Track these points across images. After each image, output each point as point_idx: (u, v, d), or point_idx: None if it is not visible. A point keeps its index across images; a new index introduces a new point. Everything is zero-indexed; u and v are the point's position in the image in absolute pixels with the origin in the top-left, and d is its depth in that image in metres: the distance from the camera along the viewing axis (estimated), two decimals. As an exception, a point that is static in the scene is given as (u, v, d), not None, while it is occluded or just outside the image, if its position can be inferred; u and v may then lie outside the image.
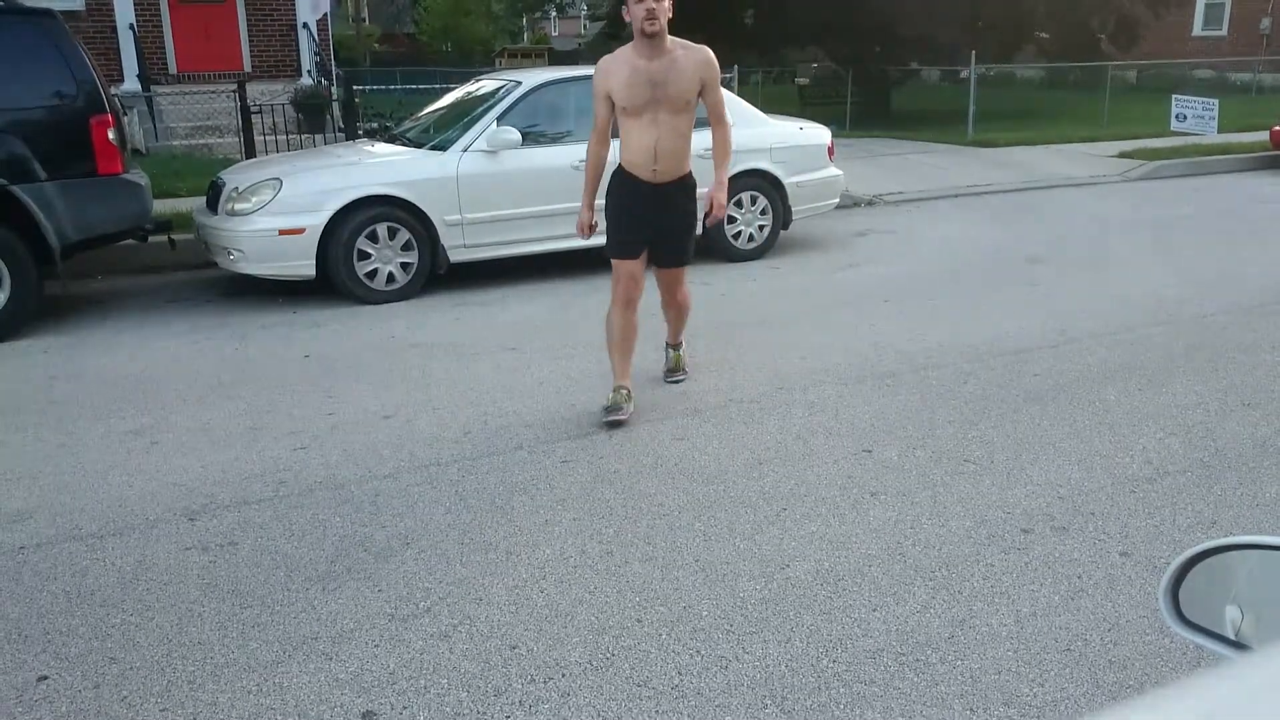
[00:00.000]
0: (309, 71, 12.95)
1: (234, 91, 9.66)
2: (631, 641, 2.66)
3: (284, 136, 9.70)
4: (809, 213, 7.95)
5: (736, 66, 14.02)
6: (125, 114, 7.61)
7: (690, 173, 4.27)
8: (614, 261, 4.28)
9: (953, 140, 14.87)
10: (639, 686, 2.48)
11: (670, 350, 4.80)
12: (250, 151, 9.15)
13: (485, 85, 7.46)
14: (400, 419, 4.34)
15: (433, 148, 6.70)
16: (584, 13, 46.66)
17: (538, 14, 46.72)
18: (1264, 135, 13.06)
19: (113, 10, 11.73)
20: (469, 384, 4.80)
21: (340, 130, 10.75)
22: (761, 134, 7.54)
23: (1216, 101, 14.89)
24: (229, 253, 6.24)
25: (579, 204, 4.36)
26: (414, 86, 15.51)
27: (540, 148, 6.75)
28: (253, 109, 9.34)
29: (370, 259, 6.35)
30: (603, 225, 4.33)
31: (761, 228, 7.60)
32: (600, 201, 4.30)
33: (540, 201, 6.61)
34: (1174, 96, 15.83)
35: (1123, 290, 6.36)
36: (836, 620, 2.75)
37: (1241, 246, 7.73)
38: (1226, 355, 5.03)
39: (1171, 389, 4.56)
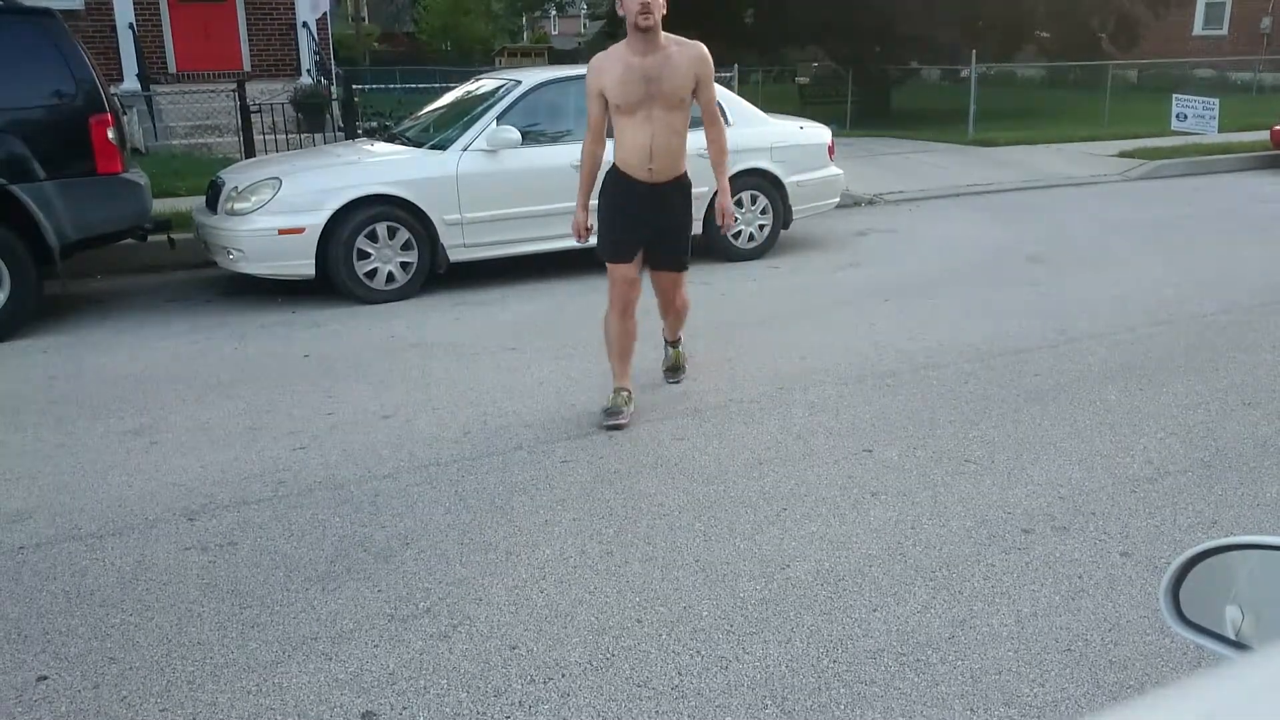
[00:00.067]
0: (308, 71, 12.94)
1: (233, 91, 9.66)
2: (631, 642, 2.66)
3: (283, 136, 9.69)
4: (809, 212, 7.94)
5: (736, 65, 14.00)
6: (124, 113, 7.60)
7: (686, 172, 4.20)
8: (609, 266, 4.23)
9: (953, 139, 14.87)
10: (639, 687, 2.47)
11: (669, 347, 4.74)
12: (250, 151, 9.14)
13: (485, 84, 7.45)
14: (400, 419, 4.34)
15: (432, 147, 6.70)
16: (584, 12, 46.67)
17: (537, 13, 46.69)
18: (1264, 135, 13.06)
19: (112, 9, 11.72)
20: (469, 384, 4.80)
21: (340, 129, 10.74)
22: (762, 133, 7.54)
23: (1217, 101, 14.89)
24: (228, 252, 6.23)
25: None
26: (413, 86, 15.49)
27: (540, 147, 6.74)
28: (252, 108, 9.33)
29: (370, 258, 6.34)
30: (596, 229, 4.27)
31: (762, 227, 7.60)
32: (594, 202, 4.24)
33: (540, 201, 6.61)
34: (1175, 96, 15.83)
35: (1123, 290, 6.36)
36: (837, 620, 2.74)
37: (1242, 246, 7.73)
38: (1227, 355, 5.03)
39: (1172, 389, 4.56)
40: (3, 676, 2.57)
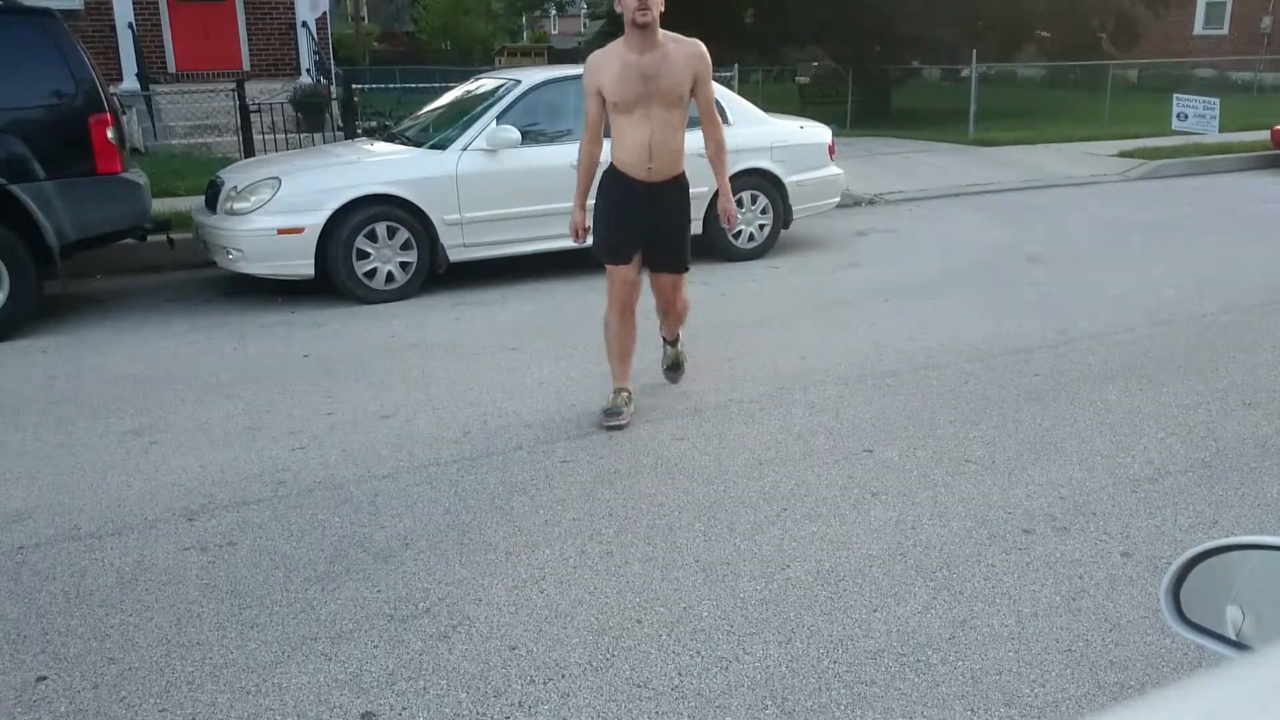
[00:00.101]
0: (308, 70, 12.94)
1: (233, 90, 9.65)
2: (631, 642, 2.66)
3: (283, 135, 9.68)
4: (809, 212, 7.94)
5: (736, 65, 14.00)
6: (124, 113, 7.61)
7: (684, 172, 4.14)
8: (608, 267, 4.19)
9: (953, 139, 14.86)
10: (639, 687, 2.47)
11: (668, 346, 4.65)
12: (249, 150, 9.14)
13: (484, 84, 7.45)
14: (399, 419, 4.34)
15: (432, 147, 6.70)
16: (583, 11, 46.67)
17: (537, 12, 46.69)
18: (1265, 134, 13.06)
19: (111, 9, 11.72)
20: (468, 384, 4.79)
21: (339, 129, 10.74)
22: (762, 133, 7.54)
23: (1217, 100, 14.89)
24: (228, 252, 6.23)
25: None
26: (413, 85, 15.49)
27: (540, 146, 6.74)
28: (251, 108, 9.33)
29: (369, 258, 6.34)
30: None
31: (762, 227, 7.59)
32: (591, 202, 4.19)
33: (540, 200, 6.60)
34: (1175, 96, 15.82)
35: (1123, 290, 6.36)
36: (837, 621, 2.74)
37: (1242, 246, 7.73)
38: (1227, 355, 5.02)
39: (1172, 389, 4.56)
40: (2, 676, 2.56)
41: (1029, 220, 9.08)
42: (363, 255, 6.32)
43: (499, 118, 6.67)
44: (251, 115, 9.27)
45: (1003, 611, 2.78)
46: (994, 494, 3.52)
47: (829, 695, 2.42)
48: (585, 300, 6.16)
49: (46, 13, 5.93)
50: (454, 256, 6.61)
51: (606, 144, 4.13)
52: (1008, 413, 4.30)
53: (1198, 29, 27.11)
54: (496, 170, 6.58)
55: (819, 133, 8.02)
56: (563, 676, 2.52)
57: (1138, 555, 3.07)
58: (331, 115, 11.32)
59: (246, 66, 12.97)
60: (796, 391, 4.60)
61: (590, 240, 4.27)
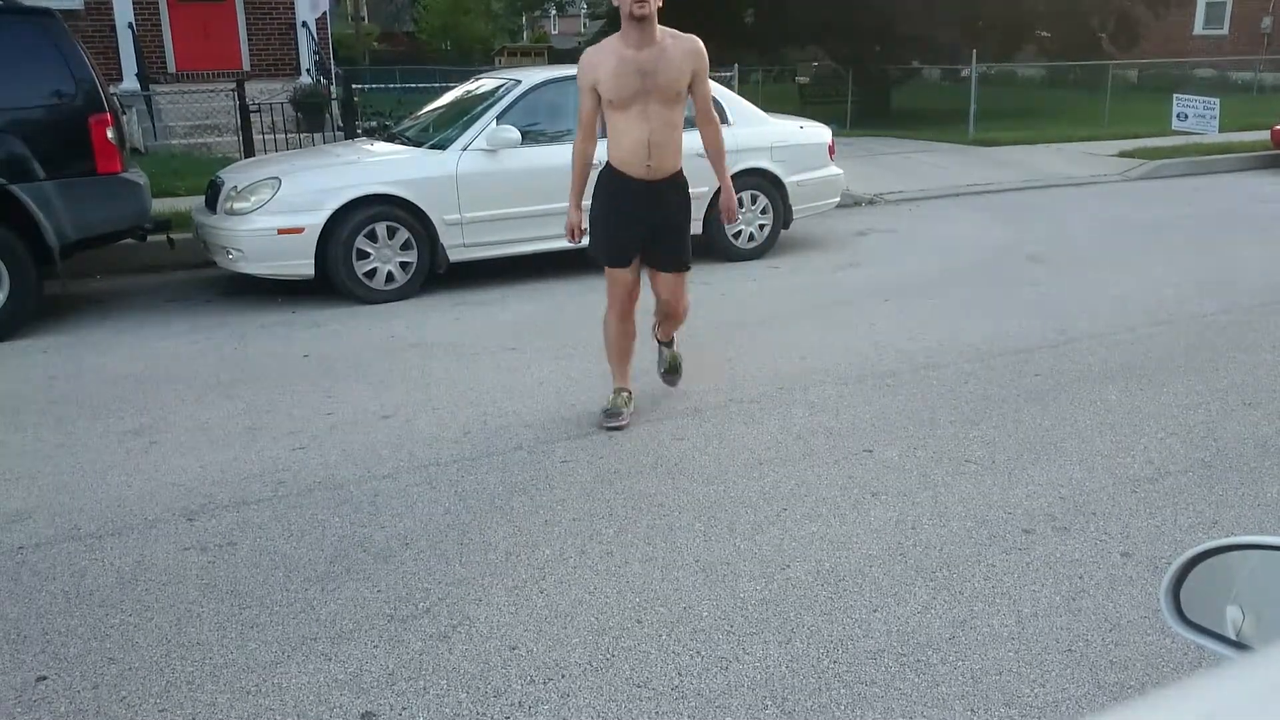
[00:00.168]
0: (308, 70, 12.94)
1: (233, 90, 9.65)
2: (631, 642, 2.66)
3: (283, 135, 9.68)
4: (809, 212, 7.94)
5: (736, 65, 13.98)
6: (124, 113, 7.60)
7: (682, 169, 4.07)
8: (608, 270, 4.13)
9: (953, 139, 14.86)
10: (639, 687, 2.47)
11: (663, 348, 4.54)
12: (249, 150, 9.14)
13: (484, 84, 7.45)
14: (399, 419, 4.34)
15: (432, 146, 6.70)
16: (584, 11, 46.64)
17: (537, 12, 46.68)
18: (1265, 134, 13.06)
19: (111, 9, 11.72)
20: (469, 384, 4.79)
21: (339, 129, 10.74)
22: (762, 133, 7.54)
23: (1218, 100, 14.89)
24: (228, 252, 6.23)
25: None
26: (413, 85, 15.49)
27: (540, 146, 6.74)
28: (251, 108, 9.33)
29: (369, 258, 6.34)
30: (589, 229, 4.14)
31: (762, 227, 7.59)
32: (586, 202, 4.11)
33: (540, 200, 6.59)
34: (1175, 96, 15.82)
35: (1123, 290, 6.36)
36: (837, 621, 2.74)
37: (1242, 246, 7.72)
38: (1227, 355, 5.02)
39: (1172, 389, 4.56)
40: (2, 676, 2.56)
41: (1029, 220, 9.08)
42: (363, 255, 6.32)
43: (499, 118, 6.67)
44: (251, 115, 9.27)
45: (1003, 611, 2.77)
46: (994, 494, 3.52)
47: (829, 695, 2.42)
48: (585, 300, 6.16)
49: (46, 13, 5.93)
50: (454, 256, 6.61)
51: (600, 144, 4.05)
52: (1008, 413, 4.30)
53: (1198, 29, 27.11)
54: (496, 170, 6.58)
55: (819, 133, 8.02)
56: (563, 676, 2.52)
57: (1138, 555, 3.07)
58: (331, 115, 11.32)
59: (246, 66, 12.97)
60: (796, 391, 4.60)
61: (587, 241, 4.20)
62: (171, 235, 6.64)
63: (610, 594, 2.90)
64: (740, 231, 7.51)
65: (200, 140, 11.33)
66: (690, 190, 4.17)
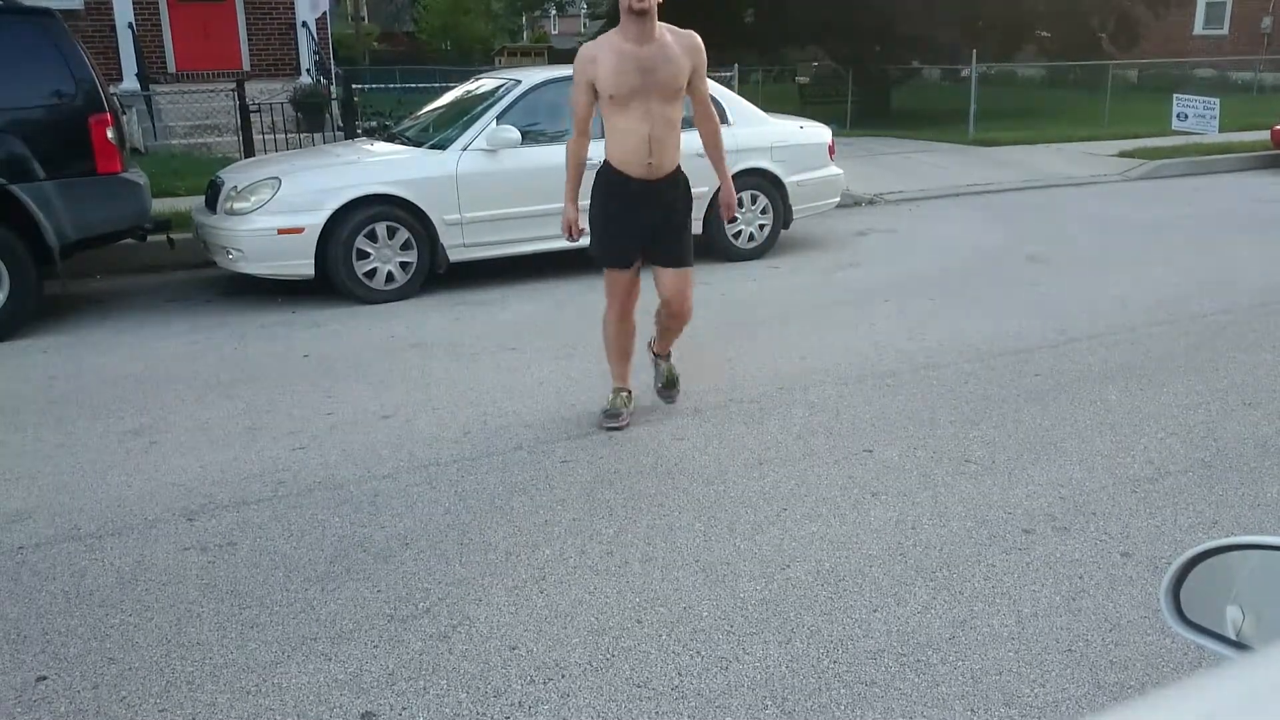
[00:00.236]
0: (308, 70, 12.94)
1: (233, 90, 9.65)
2: (631, 642, 2.66)
3: (283, 135, 9.69)
4: (809, 212, 7.94)
5: (736, 65, 13.99)
6: (124, 113, 7.60)
7: (681, 167, 4.01)
8: (608, 272, 4.09)
9: (953, 139, 14.86)
10: (639, 687, 2.47)
11: (661, 361, 4.40)
12: (249, 150, 9.14)
13: (484, 84, 7.45)
14: (399, 419, 4.34)
15: (432, 146, 6.70)
16: (584, 11, 46.64)
17: (537, 12, 46.68)
18: (1265, 134, 13.06)
19: (111, 9, 11.72)
20: (469, 384, 4.79)
21: (339, 129, 10.74)
22: (762, 133, 7.54)
23: (1218, 100, 14.89)
24: (228, 252, 6.23)
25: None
26: (413, 85, 15.48)
27: (540, 146, 6.73)
28: (251, 108, 9.33)
29: (369, 258, 6.34)
30: (588, 230, 4.08)
31: (762, 227, 7.59)
32: (584, 202, 4.04)
33: (540, 200, 6.59)
34: (1175, 96, 15.82)
35: (1123, 290, 6.36)
36: (837, 621, 2.74)
37: (1242, 246, 7.72)
38: (1227, 355, 5.02)
39: (1172, 389, 4.56)
40: (2, 676, 2.56)
41: (1029, 220, 9.08)
42: (363, 255, 6.32)
43: (499, 118, 6.67)
44: (251, 115, 9.27)
45: (1003, 611, 2.77)
46: (994, 494, 3.52)
47: (829, 695, 2.42)
48: (585, 300, 6.16)
49: (46, 13, 5.93)
50: (454, 256, 6.61)
51: (596, 143, 3.97)
52: (1008, 413, 4.30)
53: (1198, 29, 27.11)
54: (496, 170, 6.58)
55: (819, 133, 8.02)
56: (563, 676, 2.52)
57: (1138, 555, 3.07)
58: (331, 115, 11.32)
59: (246, 66, 12.97)
60: (796, 391, 4.60)
61: (586, 240, 4.15)
62: (171, 235, 6.64)
63: (610, 594, 2.90)
64: (740, 231, 7.51)
65: (200, 140, 11.33)
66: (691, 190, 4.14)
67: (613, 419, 4.16)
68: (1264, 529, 3.22)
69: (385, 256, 6.39)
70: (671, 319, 4.24)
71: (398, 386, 4.76)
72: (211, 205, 6.50)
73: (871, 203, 10.10)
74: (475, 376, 4.90)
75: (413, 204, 6.37)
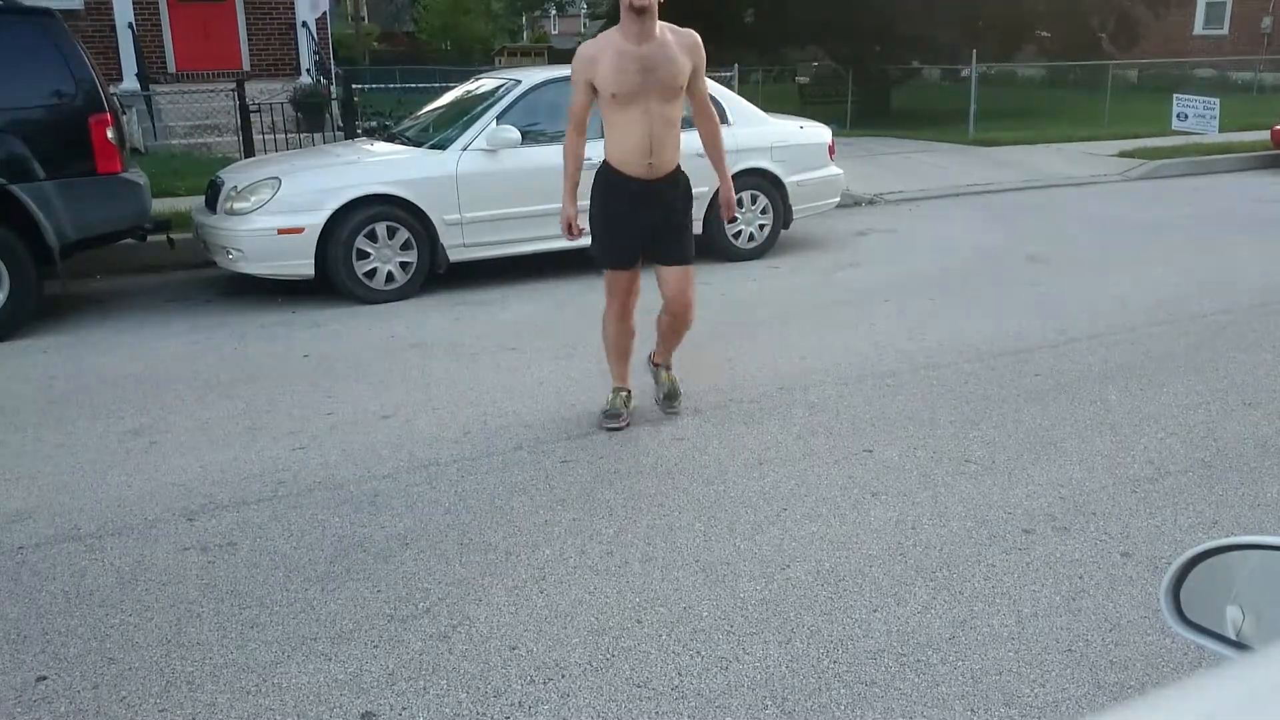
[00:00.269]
0: (308, 70, 12.94)
1: (233, 90, 9.65)
2: (631, 642, 2.66)
3: (283, 135, 9.69)
4: (809, 212, 7.94)
5: (736, 65, 13.99)
6: (124, 113, 7.60)
7: (681, 166, 4.00)
8: (608, 272, 4.07)
9: (953, 139, 14.86)
10: (639, 687, 2.47)
11: (660, 371, 4.37)
12: (249, 150, 9.14)
13: (484, 84, 7.45)
14: (399, 419, 4.34)
15: (432, 146, 6.70)
16: (584, 11, 46.63)
17: (537, 12, 46.68)
18: (1265, 134, 13.06)
19: (111, 9, 11.72)
20: (469, 384, 4.79)
21: (339, 129, 10.74)
22: (762, 133, 7.54)
23: (1218, 100, 14.89)
24: (228, 252, 6.23)
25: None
26: (413, 85, 15.49)
27: (540, 146, 6.73)
28: (251, 108, 9.33)
29: (369, 258, 6.34)
30: (588, 229, 4.07)
31: (762, 227, 7.59)
32: (583, 202, 4.02)
33: (540, 200, 6.59)
34: (1175, 96, 15.82)
35: (1123, 290, 6.36)
36: (837, 621, 2.74)
37: (1242, 246, 7.72)
38: (1227, 355, 5.02)
39: (1172, 389, 4.56)
40: (2, 676, 2.56)
41: (1029, 220, 9.08)
42: (363, 255, 6.32)
43: (499, 118, 6.67)
44: (251, 115, 9.27)
45: (1003, 611, 2.78)
46: (994, 494, 3.52)
47: (829, 695, 2.42)
48: (585, 300, 6.16)
49: (46, 13, 5.93)
50: (454, 256, 6.61)
51: (595, 143, 3.96)
52: (1008, 413, 4.30)
53: (1198, 29, 27.11)
54: (496, 170, 6.58)
55: (819, 133, 8.02)
56: (563, 676, 2.52)
57: (1138, 555, 3.07)
58: (331, 115, 11.32)
59: (246, 66, 12.97)
60: (796, 391, 4.60)
61: (587, 239, 4.14)
62: (171, 235, 6.64)
63: (610, 594, 2.90)
64: (740, 231, 7.51)
65: (200, 140, 11.33)
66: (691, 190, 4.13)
67: (613, 419, 4.16)
68: (1264, 529, 3.22)
69: (385, 256, 6.39)
70: (673, 320, 4.21)
71: (398, 386, 4.76)
72: (211, 205, 6.50)
73: (871, 203, 10.10)
74: (475, 376, 4.90)
75: (413, 204, 6.37)
